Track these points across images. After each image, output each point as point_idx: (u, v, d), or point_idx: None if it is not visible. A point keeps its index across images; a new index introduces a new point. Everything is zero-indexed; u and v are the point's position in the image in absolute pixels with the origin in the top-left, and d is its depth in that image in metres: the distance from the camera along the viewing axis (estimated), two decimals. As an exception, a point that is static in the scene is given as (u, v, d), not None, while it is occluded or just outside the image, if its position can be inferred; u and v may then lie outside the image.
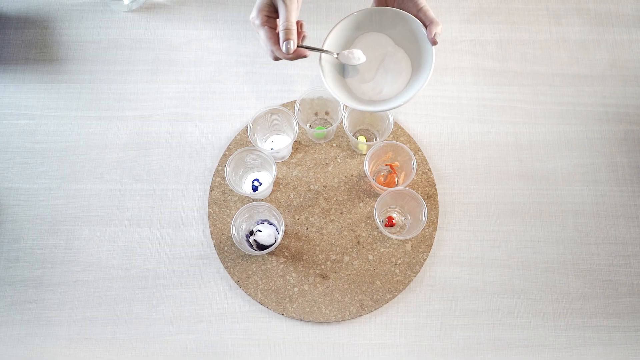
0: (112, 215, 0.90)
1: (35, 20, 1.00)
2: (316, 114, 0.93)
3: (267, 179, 0.90)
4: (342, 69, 0.77)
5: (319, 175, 0.91)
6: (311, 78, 0.97)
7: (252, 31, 0.99)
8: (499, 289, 0.86)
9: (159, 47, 0.99)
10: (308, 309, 0.84)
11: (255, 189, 0.89)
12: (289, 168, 0.91)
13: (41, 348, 0.84)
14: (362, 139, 0.91)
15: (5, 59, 0.98)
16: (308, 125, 0.89)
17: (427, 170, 0.91)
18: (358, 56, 0.74)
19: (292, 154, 0.92)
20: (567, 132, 0.94)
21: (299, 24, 0.70)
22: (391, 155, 0.88)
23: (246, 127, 0.93)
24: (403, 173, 0.88)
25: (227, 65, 0.98)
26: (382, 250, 0.87)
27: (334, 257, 0.87)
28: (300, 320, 0.85)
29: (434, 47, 0.71)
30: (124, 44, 0.99)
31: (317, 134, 0.90)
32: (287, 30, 0.67)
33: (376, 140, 0.92)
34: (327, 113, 0.92)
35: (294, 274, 0.86)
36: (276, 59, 0.70)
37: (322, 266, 0.86)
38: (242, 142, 0.93)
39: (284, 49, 0.67)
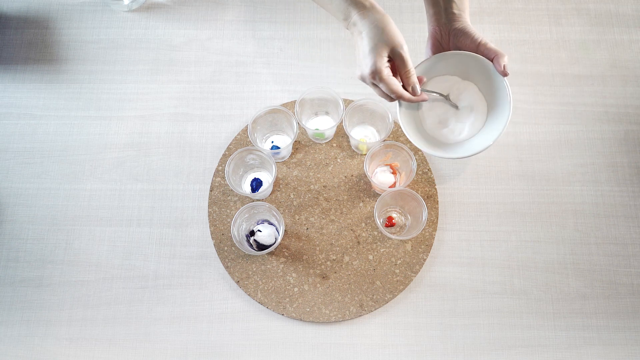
0: (112, 215, 0.90)
1: (35, 20, 1.00)
2: (316, 114, 0.93)
3: (267, 179, 0.90)
4: (418, 118, 0.79)
5: (319, 175, 0.91)
6: (311, 78, 0.97)
7: (252, 31, 0.99)
8: (499, 289, 0.86)
9: (159, 47, 0.99)
10: (308, 309, 0.84)
11: (255, 189, 0.89)
12: (289, 168, 0.91)
13: (41, 348, 0.84)
14: (362, 139, 0.91)
15: (5, 59, 0.98)
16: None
17: (427, 170, 0.91)
18: (461, 93, 0.78)
19: (292, 154, 0.92)
20: (567, 132, 0.94)
21: None
22: (391, 155, 0.88)
23: (246, 127, 0.93)
24: (403, 173, 0.88)
25: (227, 65, 0.98)
26: (382, 250, 0.87)
27: (334, 257, 0.87)
28: (300, 320, 0.84)
29: (505, 78, 0.72)
30: (124, 44, 0.99)
31: (317, 134, 0.90)
32: (412, 76, 0.71)
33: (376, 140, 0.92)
34: (327, 113, 0.92)
35: (294, 274, 0.86)
36: (392, 100, 0.73)
37: (322, 266, 0.86)
38: (242, 142, 0.93)
39: (412, 92, 0.72)
